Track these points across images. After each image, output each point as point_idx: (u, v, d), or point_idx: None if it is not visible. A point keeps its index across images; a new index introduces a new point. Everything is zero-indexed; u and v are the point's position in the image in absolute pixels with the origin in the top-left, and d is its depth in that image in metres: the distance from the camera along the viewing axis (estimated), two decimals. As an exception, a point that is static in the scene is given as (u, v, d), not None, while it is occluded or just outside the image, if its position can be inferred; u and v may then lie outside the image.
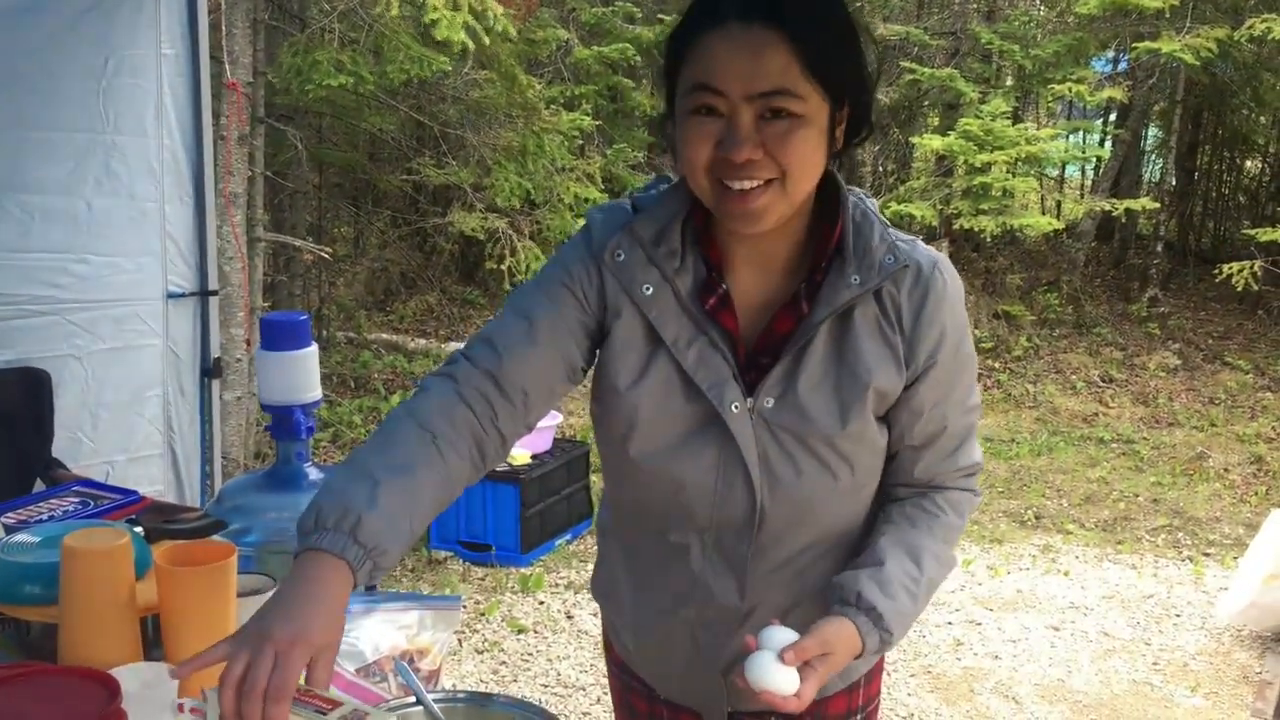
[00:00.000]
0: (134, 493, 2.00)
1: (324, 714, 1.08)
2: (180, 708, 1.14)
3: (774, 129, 1.22)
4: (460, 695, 1.43)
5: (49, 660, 1.46)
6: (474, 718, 1.39)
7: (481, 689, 3.69)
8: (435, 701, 1.38)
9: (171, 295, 3.36)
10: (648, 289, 1.34)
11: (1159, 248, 10.16)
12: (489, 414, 1.31)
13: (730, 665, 1.44)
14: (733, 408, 1.33)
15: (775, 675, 1.24)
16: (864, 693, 1.57)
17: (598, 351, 1.40)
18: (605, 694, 3.71)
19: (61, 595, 1.45)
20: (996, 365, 8.55)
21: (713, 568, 1.42)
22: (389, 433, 1.27)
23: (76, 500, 1.91)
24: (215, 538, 1.80)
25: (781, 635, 1.29)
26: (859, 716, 1.57)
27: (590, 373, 1.44)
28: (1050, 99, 10.38)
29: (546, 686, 3.76)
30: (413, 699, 1.39)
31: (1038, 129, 9.36)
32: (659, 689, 1.61)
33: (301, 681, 1.11)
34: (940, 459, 1.43)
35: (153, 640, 1.55)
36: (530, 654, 4.01)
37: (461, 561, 4.84)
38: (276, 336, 2.14)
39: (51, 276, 3.11)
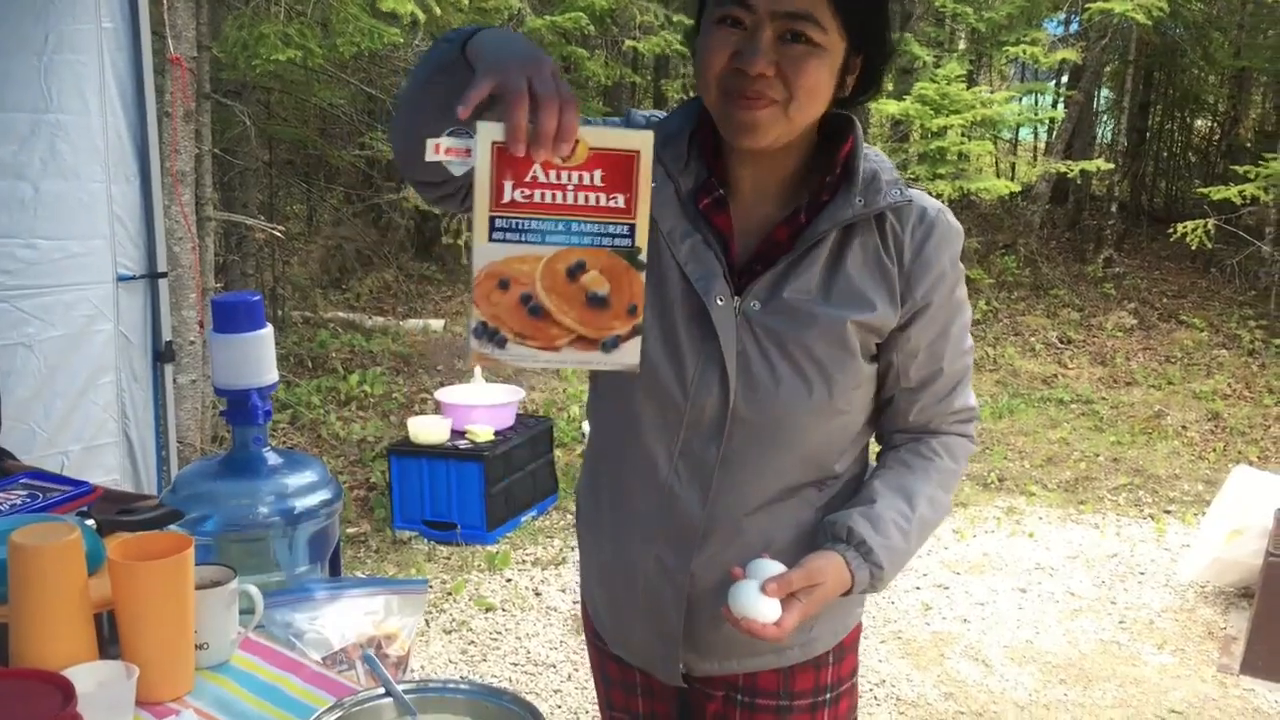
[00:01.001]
0: (85, 484, 1.93)
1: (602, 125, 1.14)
2: (436, 148, 1.09)
3: (791, 51, 1.25)
4: (431, 684, 1.38)
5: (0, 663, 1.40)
6: (445, 706, 1.35)
7: (451, 669, 3.66)
8: (405, 692, 1.33)
9: (121, 278, 3.26)
10: (652, 182, 1.35)
11: (1113, 208, 10.24)
12: None
13: (693, 598, 1.43)
14: (718, 300, 1.35)
15: (758, 603, 1.26)
16: (833, 671, 1.53)
17: None
18: (575, 670, 3.68)
19: (10, 594, 1.39)
20: (956, 329, 8.58)
21: (679, 477, 1.41)
22: None
23: (25, 493, 1.84)
24: (172, 528, 1.74)
25: (768, 566, 1.30)
26: (828, 695, 1.53)
27: None
28: (1004, 61, 10.40)
29: (516, 665, 3.73)
30: (381, 690, 1.34)
31: (992, 92, 9.37)
32: (619, 646, 1.59)
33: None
34: (935, 402, 1.44)
35: (108, 638, 1.49)
36: (499, 632, 3.97)
37: (427, 541, 4.79)
38: (228, 318, 2.07)
39: (0, 262, 3.02)
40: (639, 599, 1.49)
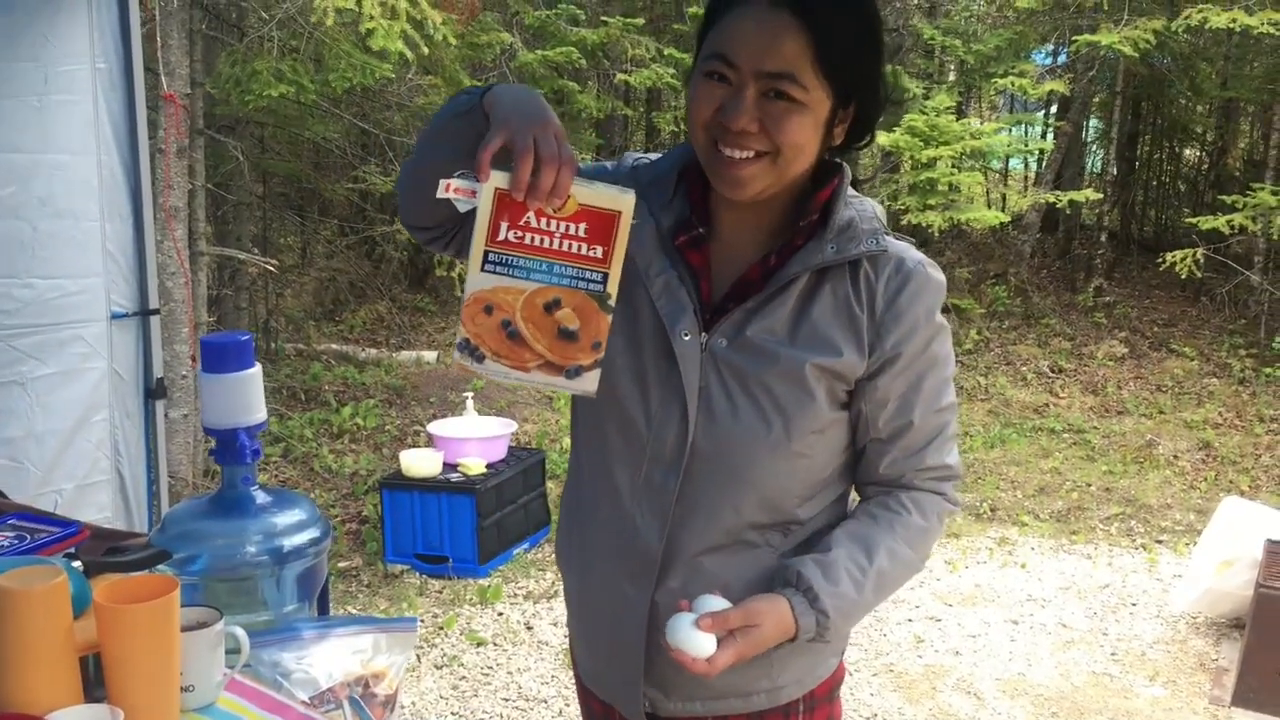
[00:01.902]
0: (74, 524, 1.94)
1: (593, 184, 1.27)
2: (447, 187, 1.24)
3: (773, 108, 1.29)
4: (415, 727, 1.39)
5: (-16, 707, 1.40)
6: (430, 750, 1.35)
7: (442, 705, 3.64)
8: (390, 735, 1.34)
9: (115, 316, 3.28)
10: (634, 220, 1.37)
11: (1103, 238, 10.29)
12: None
13: (653, 630, 1.43)
14: (683, 335, 1.39)
15: (692, 636, 1.28)
16: (803, 719, 1.51)
17: None
18: (567, 705, 3.67)
19: (-5, 638, 1.40)
20: (948, 359, 8.60)
21: (640, 508, 1.43)
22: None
23: (12, 535, 1.84)
24: (160, 569, 1.75)
25: (713, 603, 1.32)
26: None
27: None
28: (993, 93, 10.48)
29: (508, 700, 3.72)
30: (366, 733, 1.35)
31: (981, 123, 9.44)
32: (591, 677, 1.60)
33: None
34: (906, 456, 1.43)
35: (94, 680, 1.50)
36: (490, 667, 3.96)
37: (418, 575, 4.78)
38: (217, 358, 2.07)
39: None
40: (605, 630, 1.51)
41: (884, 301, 1.37)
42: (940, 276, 1.42)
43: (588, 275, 1.27)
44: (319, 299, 9.39)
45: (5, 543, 1.80)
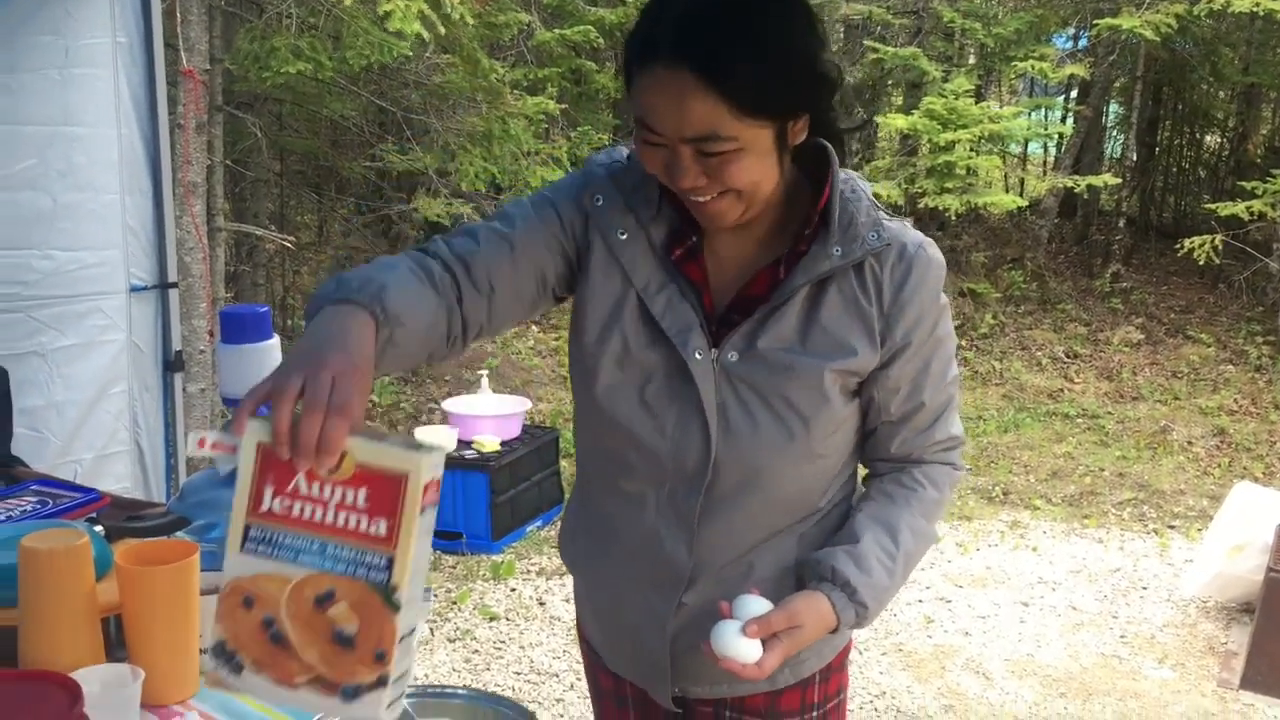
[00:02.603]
0: (94, 491, 1.97)
1: (380, 439, 1.01)
2: (201, 442, 1.06)
3: (711, 161, 1.24)
4: (430, 690, 1.42)
5: (9, 664, 1.43)
6: (444, 711, 1.38)
7: (454, 678, 3.68)
8: (406, 699, 1.36)
9: (134, 289, 3.31)
10: (622, 234, 1.38)
11: (1121, 223, 10.24)
12: (455, 294, 1.30)
13: (679, 632, 1.45)
14: (696, 354, 1.36)
15: (738, 644, 1.27)
16: (820, 689, 1.55)
17: (574, 287, 1.43)
18: (578, 680, 3.70)
19: (20, 598, 1.43)
20: (963, 343, 8.59)
21: (665, 521, 1.43)
22: (378, 262, 1.27)
23: (35, 499, 1.88)
24: (178, 535, 1.78)
25: (754, 605, 1.31)
26: (815, 713, 1.55)
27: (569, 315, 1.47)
28: (1013, 76, 10.42)
29: (519, 674, 3.76)
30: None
31: (1000, 107, 9.40)
32: (613, 664, 1.61)
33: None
34: (917, 434, 1.45)
35: (115, 641, 1.53)
36: (503, 642, 4.00)
37: (432, 550, 4.81)
38: (237, 329, 2.11)
39: (17, 273, 3.06)
40: (628, 630, 1.52)
41: (891, 293, 1.36)
42: (939, 256, 1.41)
43: (369, 560, 1.01)
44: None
45: (28, 507, 1.83)
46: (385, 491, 1.00)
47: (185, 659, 1.49)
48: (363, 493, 1.00)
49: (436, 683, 3.53)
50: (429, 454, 1.00)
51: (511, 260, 1.35)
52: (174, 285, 3.43)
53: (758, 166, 1.25)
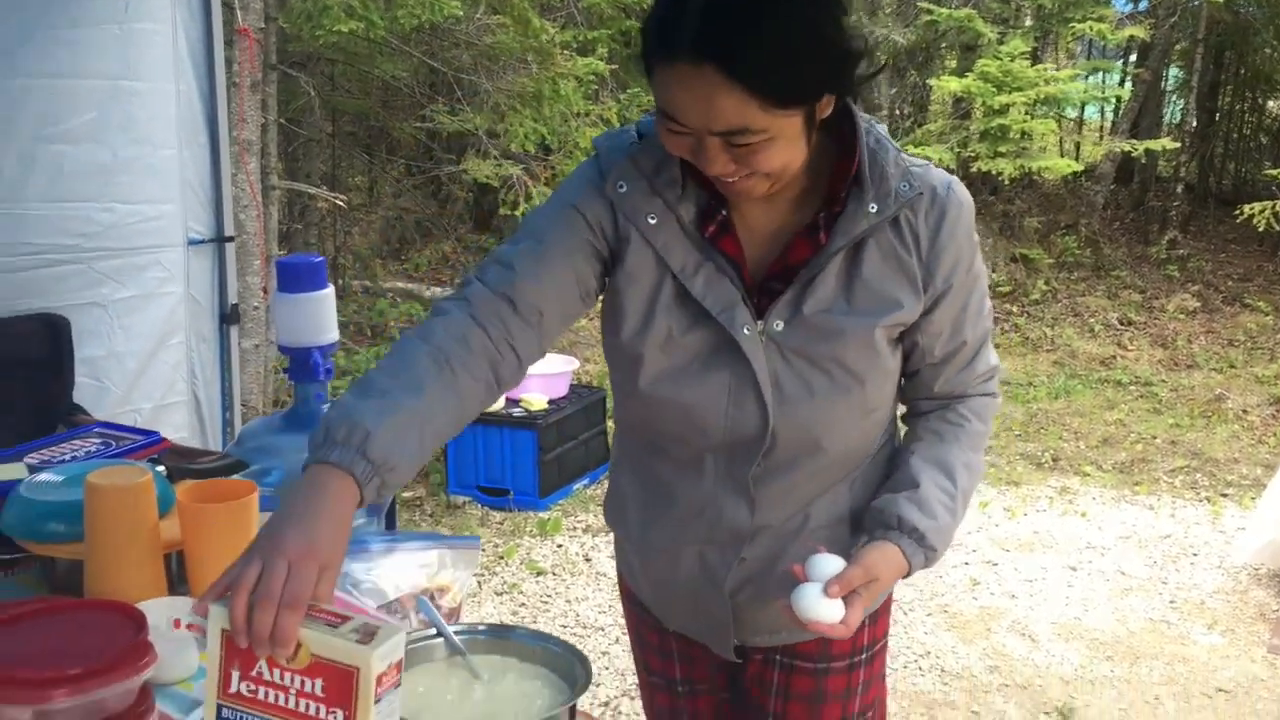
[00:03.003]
0: (155, 434, 2.02)
1: (335, 627, 1.06)
2: (176, 623, 1.15)
3: (740, 150, 1.22)
4: (481, 628, 1.44)
5: (76, 597, 1.48)
6: (494, 649, 1.40)
7: (502, 630, 3.74)
8: (456, 634, 1.39)
9: (191, 242, 3.36)
10: (652, 219, 1.35)
11: (1179, 189, 10.06)
12: (504, 334, 1.30)
13: (739, 586, 1.46)
14: (744, 330, 1.35)
15: (821, 606, 1.28)
16: (869, 632, 1.57)
17: (608, 279, 1.41)
18: (624, 634, 3.73)
19: (86, 531, 1.47)
20: (1014, 309, 8.51)
21: (723, 487, 1.44)
22: (401, 355, 1.25)
23: (99, 441, 1.93)
24: (236, 477, 1.82)
25: (827, 564, 1.31)
26: (864, 654, 1.58)
27: (601, 303, 1.46)
28: (1070, 38, 10.23)
29: (565, 627, 3.81)
30: (433, 631, 1.40)
31: (1057, 69, 9.23)
32: (666, 620, 1.62)
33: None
34: (959, 370, 1.46)
35: (177, 577, 1.57)
36: (549, 595, 4.05)
37: (480, 506, 4.88)
38: (293, 279, 2.14)
39: (78, 225, 3.10)
40: (683, 590, 1.53)
41: (928, 240, 1.36)
42: (967, 194, 1.40)
43: None
44: (386, 237, 9.49)
45: (93, 448, 1.88)
46: (339, 682, 1.04)
47: (244, 594, 1.53)
48: (319, 682, 1.04)
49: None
50: (379, 646, 1.03)
51: (553, 280, 1.34)
52: (230, 239, 3.48)
53: (787, 151, 1.24)
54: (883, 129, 1.38)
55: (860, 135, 1.33)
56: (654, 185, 1.35)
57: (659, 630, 1.65)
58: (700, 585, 1.50)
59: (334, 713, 1.04)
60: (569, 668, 1.34)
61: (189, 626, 1.19)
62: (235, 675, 1.07)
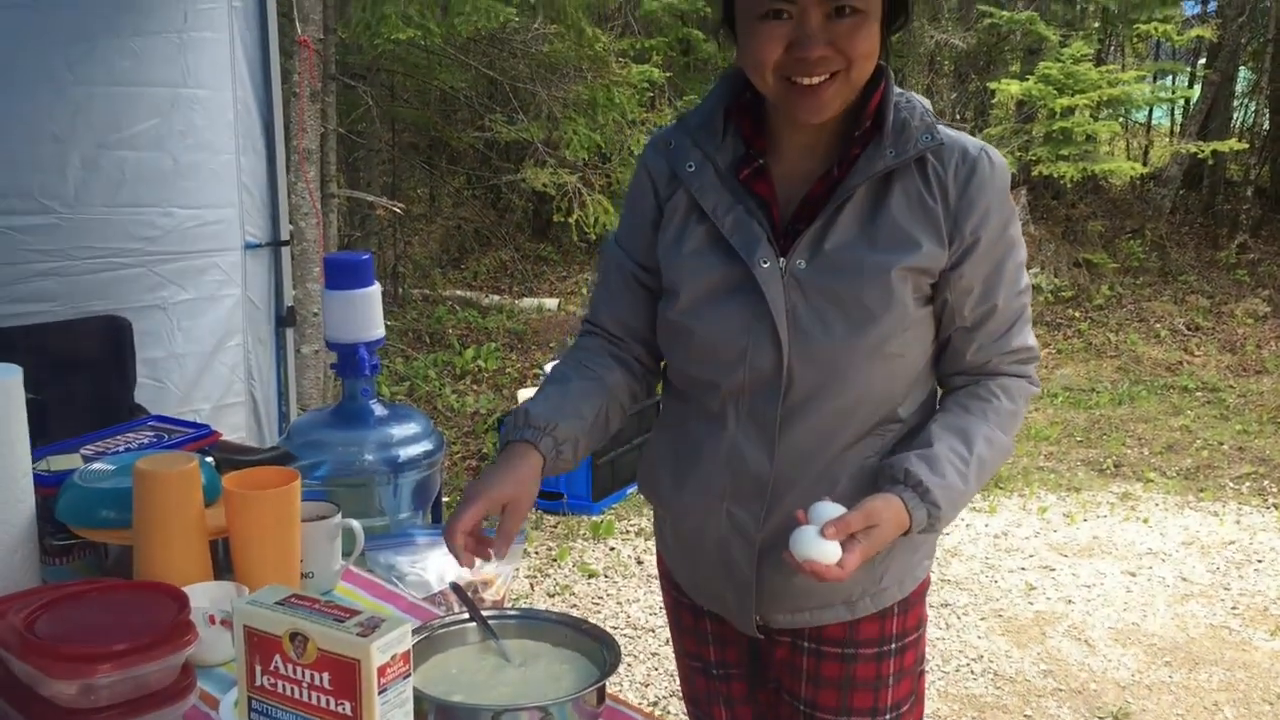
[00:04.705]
0: (206, 427, 2.06)
1: (342, 621, 1.12)
2: (211, 619, 1.28)
3: (841, 26, 1.31)
4: (512, 612, 1.46)
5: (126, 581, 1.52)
6: (525, 633, 1.42)
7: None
8: (488, 618, 1.42)
9: (249, 246, 3.43)
10: (690, 166, 1.47)
11: (1249, 193, 9.86)
12: (628, 353, 1.61)
13: (765, 549, 1.47)
14: (762, 263, 1.40)
15: (817, 546, 1.30)
16: (898, 621, 1.55)
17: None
18: (675, 636, 3.75)
19: (134, 516, 1.52)
20: (1077, 314, 8.39)
21: (745, 434, 1.46)
22: (563, 374, 1.59)
23: (152, 434, 1.98)
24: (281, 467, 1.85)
25: (828, 509, 1.33)
26: (892, 645, 1.55)
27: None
28: (1136, 40, 10.08)
29: (616, 628, 3.82)
30: (467, 615, 1.43)
31: (1122, 70, 9.10)
32: (695, 594, 1.63)
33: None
34: (992, 341, 1.45)
35: (223, 565, 1.61)
36: (600, 597, 4.07)
37: (534, 510, 4.91)
38: (340, 275, 2.19)
39: (140, 229, 3.20)
40: (712, 553, 1.54)
41: (956, 191, 1.39)
42: (1002, 159, 1.43)
43: None
44: (445, 246, 9.61)
45: (146, 440, 1.93)
46: (345, 675, 1.11)
47: (287, 580, 1.56)
48: (326, 675, 1.12)
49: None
50: (380, 639, 1.09)
51: (637, 302, 1.58)
52: (286, 243, 3.55)
53: (874, 38, 1.33)
54: (924, 101, 1.44)
55: (887, 87, 1.40)
56: (696, 138, 1.47)
57: (694, 611, 1.66)
58: (729, 546, 1.51)
59: (342, 704, 1.11)
60: (598, 651, 1.36)
61: (223, 623, 1.28)
62: (258, 669, 1.16)
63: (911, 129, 1.39)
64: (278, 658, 1.14)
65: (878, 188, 1.40)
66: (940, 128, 1.40)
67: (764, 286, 1.40)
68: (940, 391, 1.55)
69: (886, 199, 1.39)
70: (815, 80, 1.33)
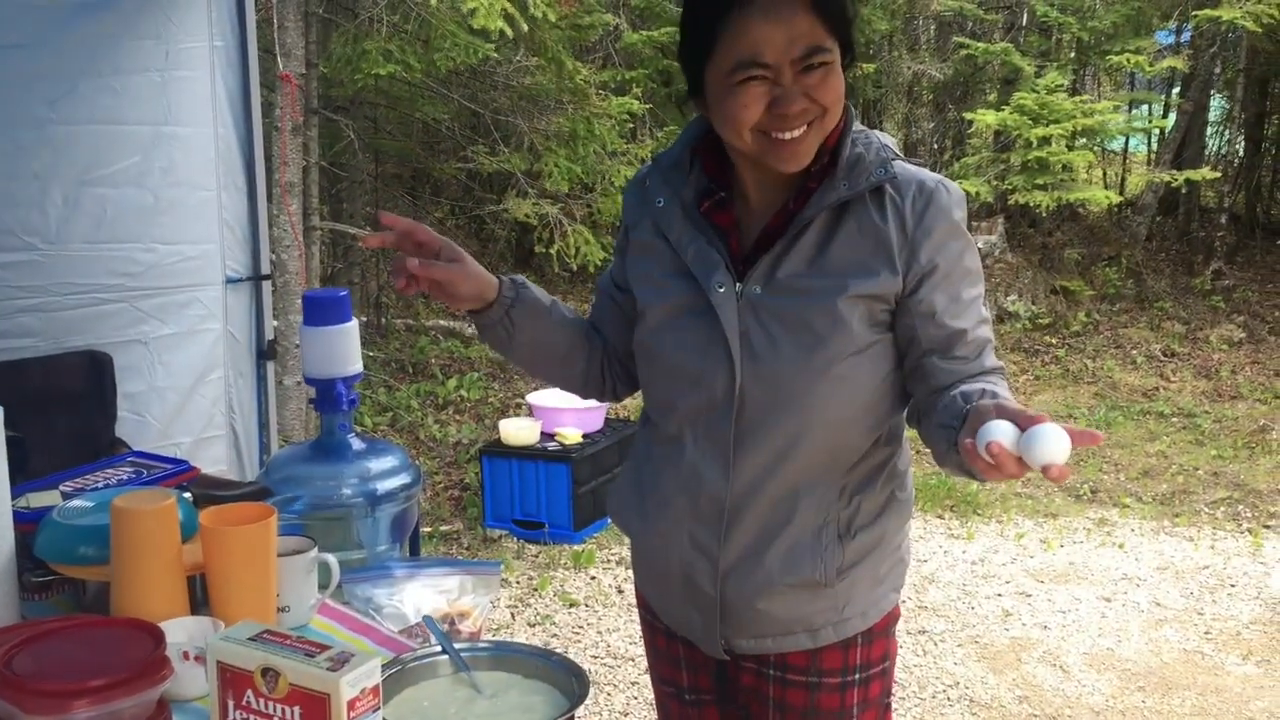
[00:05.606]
0: (185, 462, 2.09)
1: (312, 656, 1.15)
2: (185, 655, 1.31)
3: (812, 78, 1.39)
4: (483, 645, 1.50)
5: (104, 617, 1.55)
6: (497, 665, 1.46)
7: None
8: (460, 651, 1.45)
9: (229, 280, 3.46)
10: (660, 202, 1.57)
11: (1224, 220, 9.97)
12: (601, 343, 1.74)
13: (728, 571, 1.52)
14: (718, 288, 1.48)
15: (1060, 442, 1.17)
16: (862, 652, 1.57)
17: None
18: (654, 665, 3.77)
19: (111, 553, 1.54)
20: (1054, 341, 8.46)
21: (702, 454, 1.52)
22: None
23: (131, 470, 2.00)
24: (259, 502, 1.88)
25: (1000, 428, 1.20)
26: (856, 675, 1.57)
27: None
28: (1106, 70, 10.21)
29: (596, 657, 3.84)
30: (439, 648, 1.46)
31: (1095, 100, 9.21)
32: (665, 616, 1.68)
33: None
34: (966, 362, 1.45)
35: (200, 600, 1.63)
36: (581, 627, 4.09)
37: (516, 539, 4.93)
38: (318, 312, 2.22)
39: (122, 265, 3.23)
40: (677, 574, 1.58)
41: (913, 220, 1.44)
42: (960, 192, 1.49)
43: None
44: (428, 276, 9.61)
45: (125, 476, 1.96)
46: (314, 709, 1.13)
47: (264, 615, 1.59)
48: (297, 709, 1.15)
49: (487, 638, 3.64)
50: (349, 673, 1.13)
51: (617, 308, 1.70)
52: (267, 277, 3.58)
53: (841, 82, 1.42)
54: (888, 139, 1.50)
55: (846, 124, 1.47)
56: (666, 176, 1.59)
57: (667, 635, 1.70)
58: (693, 568, 1.55)
59: None
60: (568, 682, 1.39)
61: (196, 659, 1.32)
62: (230, 705, 1.19)
63: (866, 163, 1.45)
64: (250, 693, 1.17)
65: (832, 219, 1.46)
66: (897, 163, 1.46)
67: (719, 310, 1.48)
68: (907, 428, 1.58)
69: (839, 229, 1.46)
70: (796, 134, 1.40)
